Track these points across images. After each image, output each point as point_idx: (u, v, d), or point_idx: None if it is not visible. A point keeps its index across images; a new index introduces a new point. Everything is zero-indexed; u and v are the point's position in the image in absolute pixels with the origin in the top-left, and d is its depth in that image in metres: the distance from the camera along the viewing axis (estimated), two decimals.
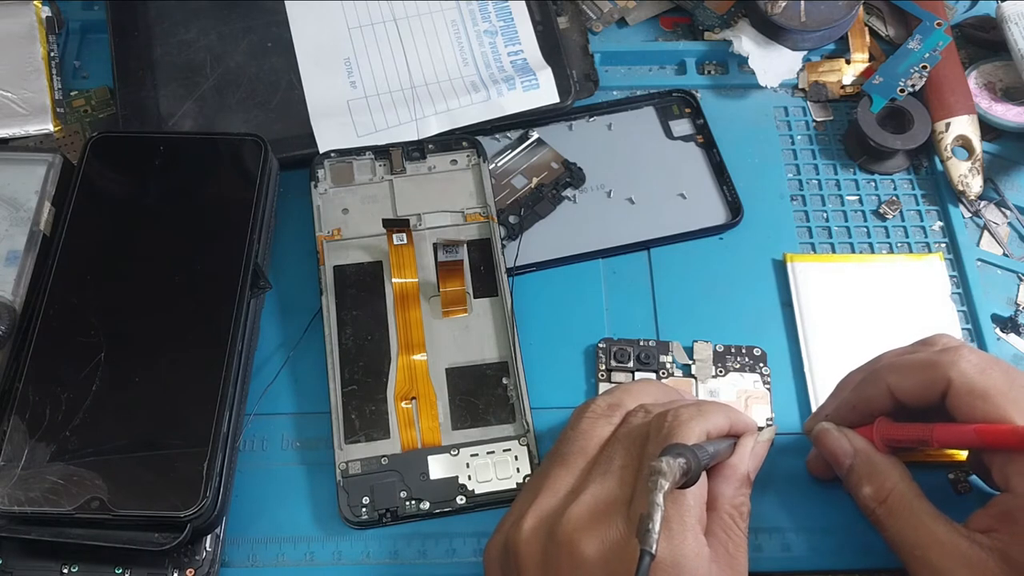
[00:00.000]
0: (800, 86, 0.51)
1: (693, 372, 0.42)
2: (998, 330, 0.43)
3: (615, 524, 0.30)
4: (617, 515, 0.30)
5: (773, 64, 0.50)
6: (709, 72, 0.52)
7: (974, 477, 0.39)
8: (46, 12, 0.48)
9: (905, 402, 0.34)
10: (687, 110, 0.49)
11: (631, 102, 0.49)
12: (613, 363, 0.41)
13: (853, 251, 0.46)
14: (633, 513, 0.30)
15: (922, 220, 0.47)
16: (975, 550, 0.31)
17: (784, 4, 0.48)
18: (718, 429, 0.34)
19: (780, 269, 0.45)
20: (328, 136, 0.46)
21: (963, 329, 0.43)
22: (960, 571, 0.31)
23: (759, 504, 0.39)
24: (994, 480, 0.33)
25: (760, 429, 0.37)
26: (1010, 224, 0.47)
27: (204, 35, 0.48)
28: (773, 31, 0.49)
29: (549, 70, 0.48)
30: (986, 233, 0.46)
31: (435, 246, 0.41)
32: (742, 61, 0.50)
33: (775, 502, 0.39)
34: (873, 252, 0.46)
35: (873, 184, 0.48)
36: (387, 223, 0.42)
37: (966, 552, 0.31)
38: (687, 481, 0.28)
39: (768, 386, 0.41)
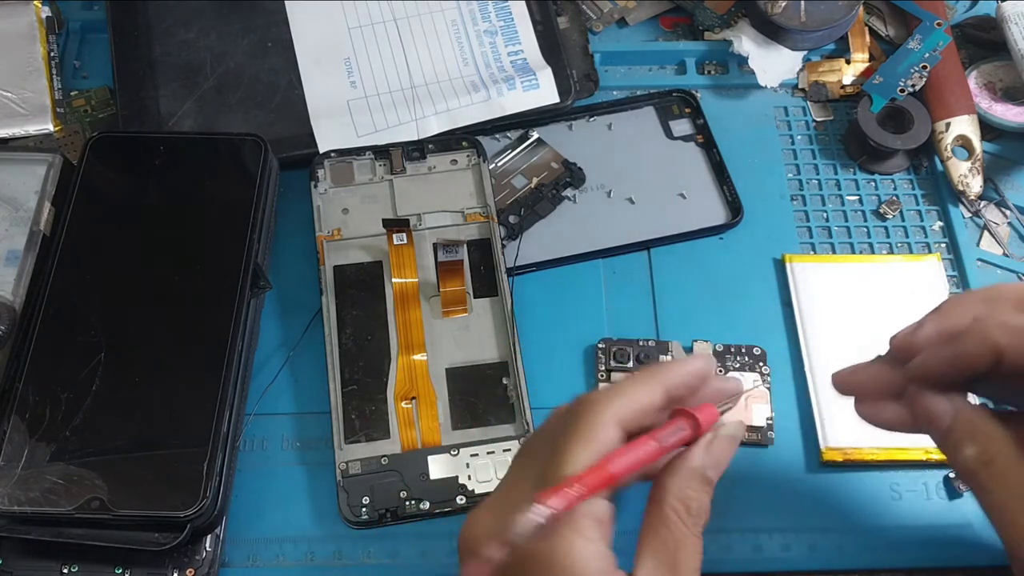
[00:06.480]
0: (800, 86, 0.51)
1: None
2: None
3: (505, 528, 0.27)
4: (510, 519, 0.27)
5: (773, 64, 0.50)
6: (709, 72, 0.52)
7: None
8: (46, 12, 0.48)
9: (1011, 371, 0.30)
10: (687, 110, 0.49)
11: (631, 102, 0.49)
12: (612, 363, 0.41)
13: (853, 251, 0.46)
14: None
15: (922, 220, 0.47)
16: None
17: (784, 4, 0.48)
18: (641, 408, 0.29)
19: (780, 269, 0.45)
20: (328, 136, 0.46)
21: None
22: None
23: (760, 504, 0.39)
24: None
25: (765, 428, 0.37)
26: (1010, 224, 0.47)
27: (204, 35, 0.48)
28: (773, 31, 0.49)
29: (549, 70, 0.48)
30: (986, 233, 0.46)
31: (435, 246, 0.41)
32: (742, 61, 0.50)
33: (775, 502, 0.39)
34: (873, 252, 0.46)
35: (873, 184, 0.48)
36: (387, 223, 0.42)
37: None
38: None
39: (768, 385, 0.41)
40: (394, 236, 0.42)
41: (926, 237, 0.46)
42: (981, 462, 0.30)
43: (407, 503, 0.38)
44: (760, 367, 0.42)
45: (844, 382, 0.35)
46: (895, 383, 0.33)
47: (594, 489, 0.27)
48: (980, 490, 0.31)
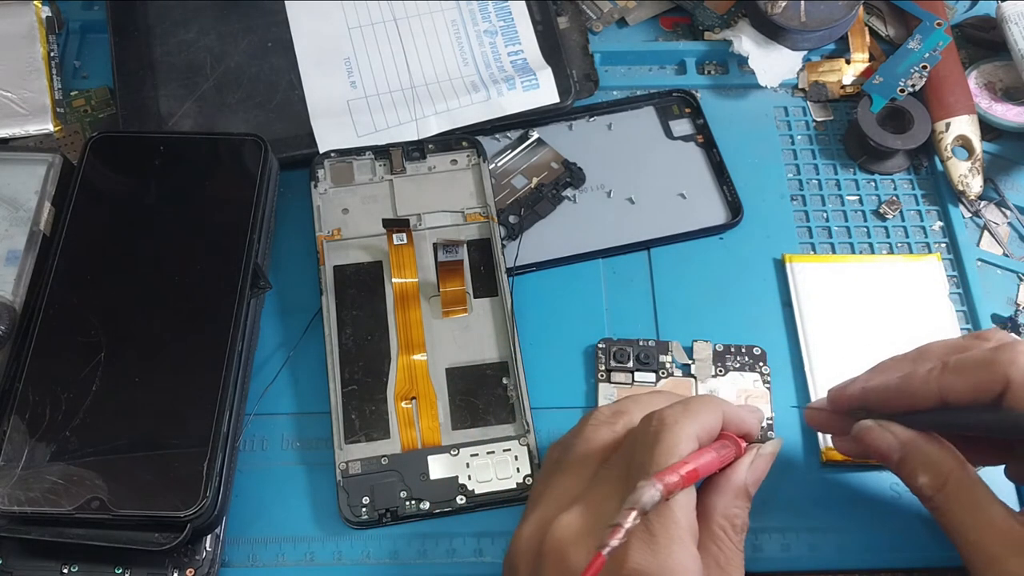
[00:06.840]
0: (800, 86, 0.51)
1: (693, 372, 0.42)
2: None
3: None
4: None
5: (773, 64, 0.50)
6: (709, 72, 0.52)
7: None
8: (46, 12, 0.48)
9: (953, 403, 0.32)
10: (687, 110, 0.49)
11: (631, 102, 0.49)
12: (613, 363, 0.41)
13: (853, 251, 0.46)
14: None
15: (922, 220, 0.47)
16: None
17: (784, 4, 0.48)
18: (709, 428, 0.32)
19: (780, 269, 0.45)
20: (328, 136, 0.46)
21: (963, 329, 0.43)
22: (1013, 559, 0.30)
23: (760, 503, 0.39)
24: None
25: (762, 431, 0.37)
26: (1010, 224, 0.47)
27: (204, 35, 0.48)
28: (773, 31, 0.49)
29: (549, 70, 0.48)
30: (986, 233, 0.46)
31: (435, 246, 0.41)
32: (742, 61, 0.50)
33: (775, 502, 0.39)
34: (873, 252, 0.46)
35: (873, 184, 0.48)
36: (387, 223, 0.42)
37: (1021, 539, 0.30)
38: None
39: (768, 385, 0.41)
40: (394, 236, 0.42)
41: (926, 237, 0.46)
42: (934, 488, 0.32)
43: (407, 503, 0.38)
44: (760, 367, 0.42)
45: (811, 422, 0.38)
46: (843, 424, 0.36)
47: (689, 481, 0.29)
48: (937, 512, 0.33)
